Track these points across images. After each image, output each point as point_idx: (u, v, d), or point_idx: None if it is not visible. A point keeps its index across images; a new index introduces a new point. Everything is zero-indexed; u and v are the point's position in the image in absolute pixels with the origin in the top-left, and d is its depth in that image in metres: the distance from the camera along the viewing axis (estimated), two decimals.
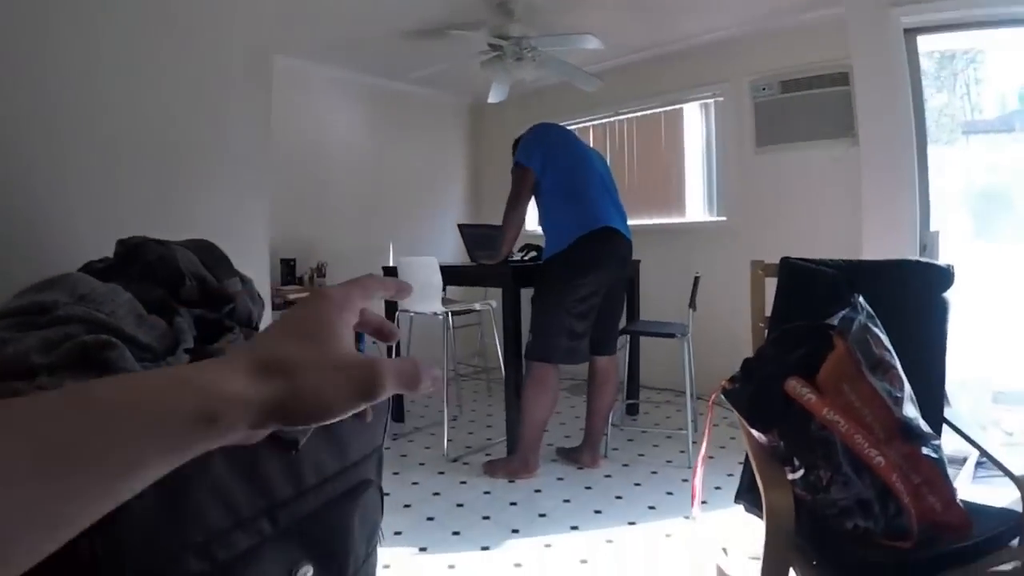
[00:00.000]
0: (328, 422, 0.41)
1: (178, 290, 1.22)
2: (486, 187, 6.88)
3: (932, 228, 3.79)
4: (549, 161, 3.46)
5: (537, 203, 3.58)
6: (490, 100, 5.24)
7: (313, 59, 5.51)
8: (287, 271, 5.17)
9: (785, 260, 2.44)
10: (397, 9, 4.60)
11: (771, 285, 2.41)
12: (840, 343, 1.75)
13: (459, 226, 4.44)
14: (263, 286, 2.23)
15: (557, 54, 4.69)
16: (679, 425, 4.29)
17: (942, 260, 3.67)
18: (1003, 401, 3.57)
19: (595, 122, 6.07)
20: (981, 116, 4.37)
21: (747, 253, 4.81)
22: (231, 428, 0.37)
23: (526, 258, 4.19)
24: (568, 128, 3.90)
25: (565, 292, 3.34)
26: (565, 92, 5.64)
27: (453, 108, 6.77)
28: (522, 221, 3.59)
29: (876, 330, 1.85)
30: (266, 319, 1.66)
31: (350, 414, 0.41)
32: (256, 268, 2.20)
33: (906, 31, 3.64)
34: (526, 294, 3.71)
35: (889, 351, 1.86)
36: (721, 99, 5.21)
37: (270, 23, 3.99)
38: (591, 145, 5.91)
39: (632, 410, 4.69)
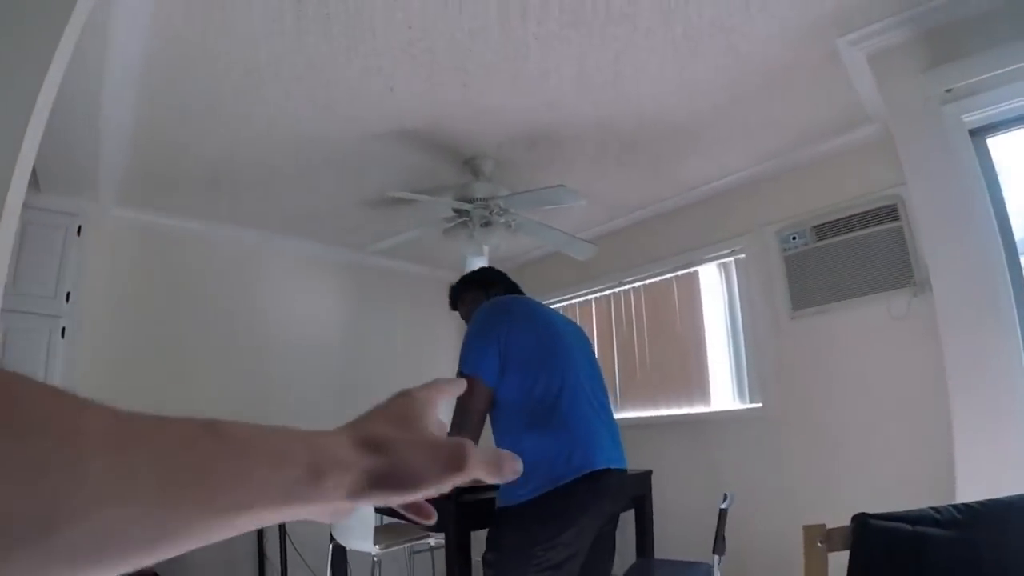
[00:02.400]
0: (419, 495, 0.44)
1: None
2: None
3: None
4: (511, 362, 2.29)
5: (493, 423, 2.38)
6: None
7: (272, 230, 5.03)
8: None
9: (862, 522, 1.41)
10: (351, 178, 4.08)
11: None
12: None
13: None
14: None
15: (536, 215, 3.94)
16: None
17: None
18: None
19: (596, 295, 5.29)
20: None
21: (792, 449, 3.84)
22: (334, 489, 0.39)
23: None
24: (534, 301, 2.63)
25: (530, 559, 2.11)
26: (560, 262, 4.81)
27: (440, 287, 5.94)
28: None
29: None
30: None
31: (439, 489, 0.45)
32: None
33: (971, 133, 2.65)
34: None
35: None
36: (743, 256, 4.32)
37: None
38: (593, 324, 5.00)
39: None
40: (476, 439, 2.30)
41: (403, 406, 0.48)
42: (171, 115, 3.29)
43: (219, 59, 2.85)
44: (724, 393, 4.37)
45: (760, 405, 4.08)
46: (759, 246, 4.14)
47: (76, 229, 3.75)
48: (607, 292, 5.18)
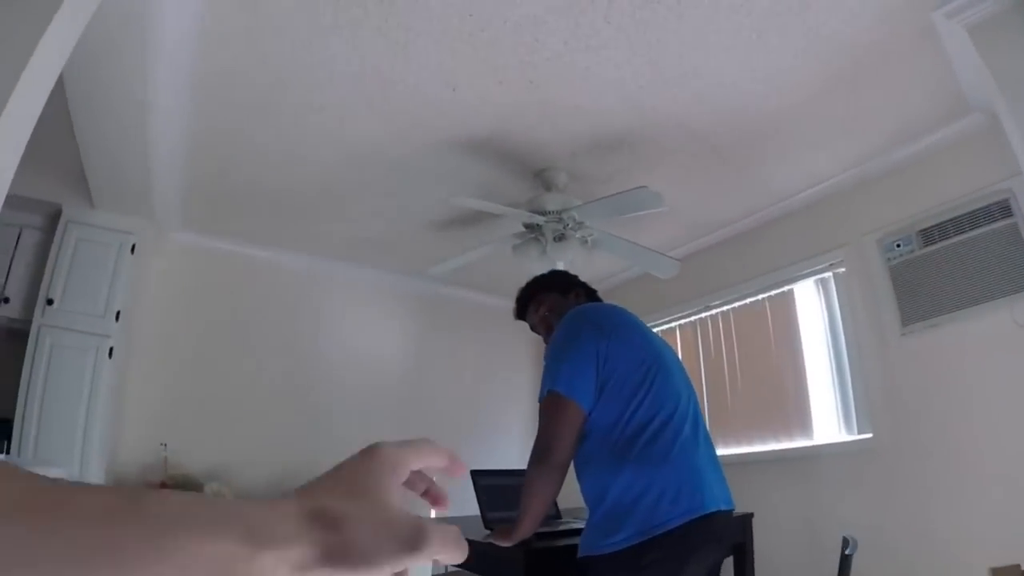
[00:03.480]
0: None
1: None
2: None
3: None
4: (609, 383, 2.12)
5: (579, 451, 2.20)
6: None
7: (333, 257, 5.30)
8: None
9: None
10: (414, 196, 4.29)
11: None
12: None
13: (473, 473, 3.25)
14: None
15: (614, 229, 4.06)
16: None
17: None
18: None
19: (681, 321, 5.33)
20: None
21: (911, 484, 3.71)
22: (274, 565, 0.39)
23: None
24: (629, 312, 2.44)
25: None
26: (640, 287, 4.97)
27: (511, 317, 6.14)
28: (557, 488, 2.18)
29: None
30: None
31: (394, 569, 0.45)
32: None
33: None
34: None
35: None
36: (842, 270, 4.29)
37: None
38: (677, 353, 5.03)
39: None
40: (562, 477, 2.15)
41: (366, 469, 0.48)
42: (223, 126, 3.48)
43: (270, 61, 2.98)
44: (828, 424, 4.24)
45: (870, 436, 3.94)
46: (860, 257, 4.11)
47: (130, 247, 3.98)
48: (692, 318, 5.21)
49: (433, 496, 0.56)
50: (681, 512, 1.94)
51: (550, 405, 2.12)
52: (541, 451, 2.12)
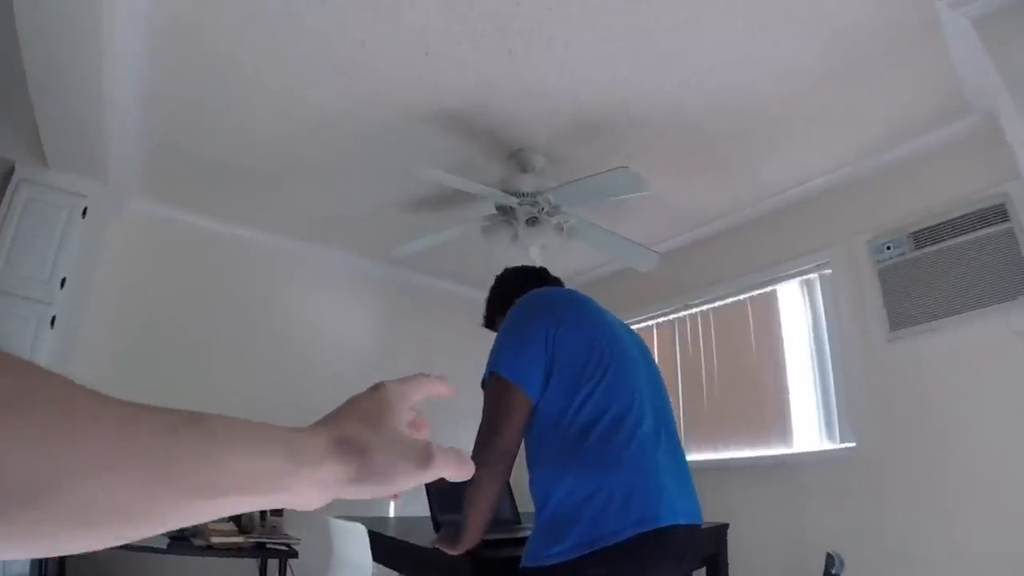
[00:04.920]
0: (391, 492, 0.54)
1: None
2: None
3: None
4: (556, 370, 1.91)
5: (526, 448, 2.00)
6: None
7: (297, 236, 5.11)
8: None
9: None
10: (382, 171, 4.07)
11: None
12: None
13: None
14: None
15: (591, 217, 3.86)
16: None
17: None
18: None
19: (659, 319, 5.21)
20: None
21: (895, 497, 3.54)
22: (310, 483, 0.48)
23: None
24: (586, 296, 2.22)
25: None
26: (616, 285, 4.77)
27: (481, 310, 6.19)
28: (502, 483, 1.95)
29: None
30: None
31: (407, 484, 0.55)
32: None
33: None
34: None
35: None
36: (828, 271, 4.17)
37: None
38: (654, 353, 4.91)
39: None
40: (507, 469, 1.94)
41: (376, 403, 0.57)
42: (180, 88, 3.32)
43: (230, 11, 2.80)
44: (809, 431, 4.11)
45: (853, 445, 3.82)
46: (848, 258, 4.00)
47: (81, 211, 3.78)
48: (671, 317, 5.09)
49: (418, 424, 0.62)
50: (632, 523, 1.72)
51: (492, 390, 1.95)
52: (483, 441, 1.91)
